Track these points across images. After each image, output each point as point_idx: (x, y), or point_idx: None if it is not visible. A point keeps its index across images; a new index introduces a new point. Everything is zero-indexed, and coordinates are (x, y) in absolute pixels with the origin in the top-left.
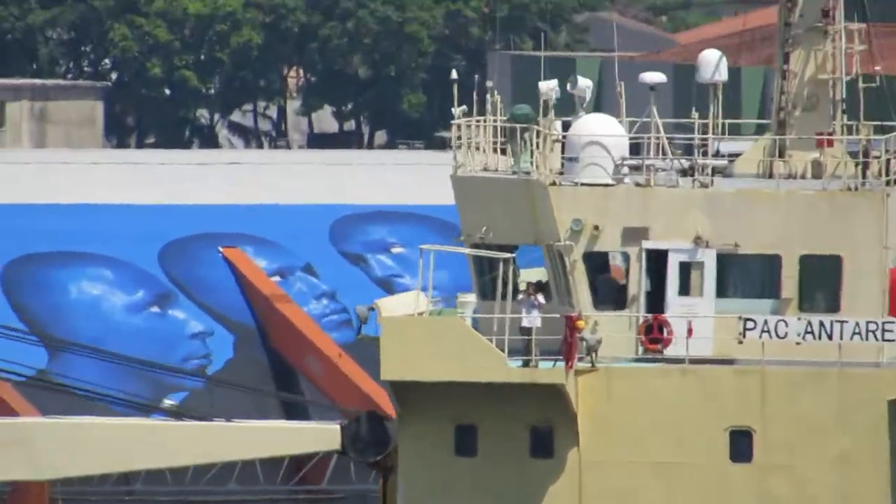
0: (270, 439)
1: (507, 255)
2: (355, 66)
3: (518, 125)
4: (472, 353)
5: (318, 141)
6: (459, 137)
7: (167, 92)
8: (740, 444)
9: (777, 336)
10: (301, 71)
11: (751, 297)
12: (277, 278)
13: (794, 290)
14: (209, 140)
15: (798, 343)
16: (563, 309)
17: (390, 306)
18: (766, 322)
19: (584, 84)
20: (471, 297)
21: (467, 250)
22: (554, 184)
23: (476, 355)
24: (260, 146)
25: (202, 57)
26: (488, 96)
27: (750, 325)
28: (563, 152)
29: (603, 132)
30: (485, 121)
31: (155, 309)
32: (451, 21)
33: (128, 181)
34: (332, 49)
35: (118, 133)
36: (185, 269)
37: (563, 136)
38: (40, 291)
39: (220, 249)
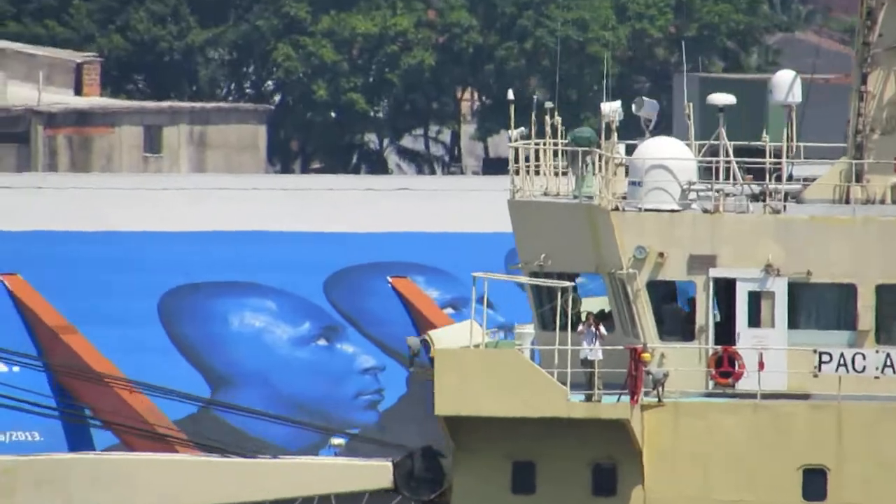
0: (316, 476)
1: (567, 283)
2: (532, 89)
3: (580, 148)
4: (531, 387)
5: (493, 166)
6: (517, 160)
7: (333, 115)
8: (814, 484)
9: (854, 370)
10: (476, 93)
11: (825, 329)
12: (450, 310)
13: (871, 322)
14: (377, 165)
15: (876, 377)
16: (627, 340)
17: (443, 338)
18: (842, 355)
19: (651, 106)
20: (529, 328)
21: (524, 279)
22: (617, 209)
23: (535, 389)
24: (432, 172)
25: (371, 79)
26: (547, 118)
27: (826, 358)
28: (626, 176)
29: (669, 155)
30: (545, 144)
31: (322, 342)
32: (636, 41)
33: (292, 208)
34: (508, 71)
35: (282, 158)
36: (352, 300)
37: (627, 160)
38: (200, 322)
39: (389, 279)
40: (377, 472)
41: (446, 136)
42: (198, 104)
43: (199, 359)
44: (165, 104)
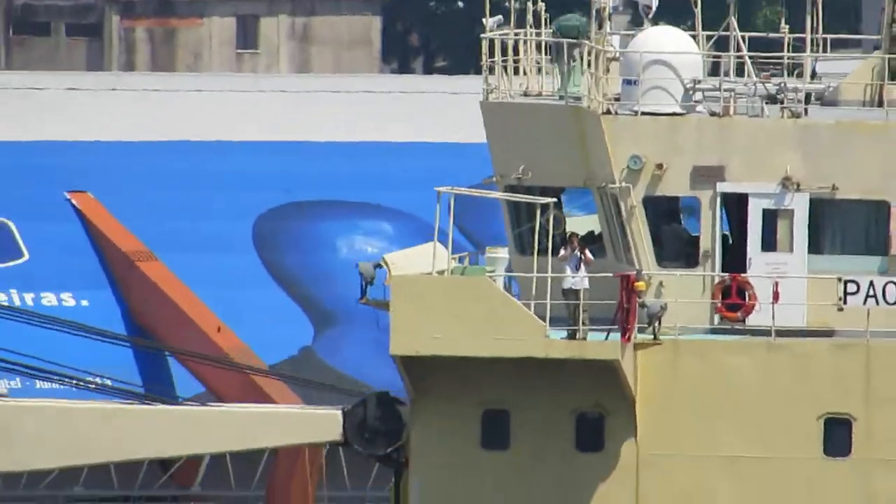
0: (251, 427)
1: (548, 199)
2: None
3: (565, 40)
4: (503, 321)
5: None
6: (492, 55)
7: (461, 4)
8: (837, 436)
9: (886, 302)
10: None
11: (853, 254)
12: None
13: None
14: None
15: None
16: (620, 267)
17: (402, 263)
18: (871, 284)
19: None
20: (503, 252)
21: (497, 194)
22: (608, 112)
23: (509, 324)
24: None
25: None
26: (529, 3)
27: (852, 288)
28: (620, 74)
29: (670, 49)
30: (525, 34)
31: None
32: None
33: (411, 114)
34: None
35: (399, 56)
36: (483, 223)
37: (622, 54)
38: (302, 249)
39: None
40: (323, 423)
41: None
42: None
43: (300, 291)
44: None
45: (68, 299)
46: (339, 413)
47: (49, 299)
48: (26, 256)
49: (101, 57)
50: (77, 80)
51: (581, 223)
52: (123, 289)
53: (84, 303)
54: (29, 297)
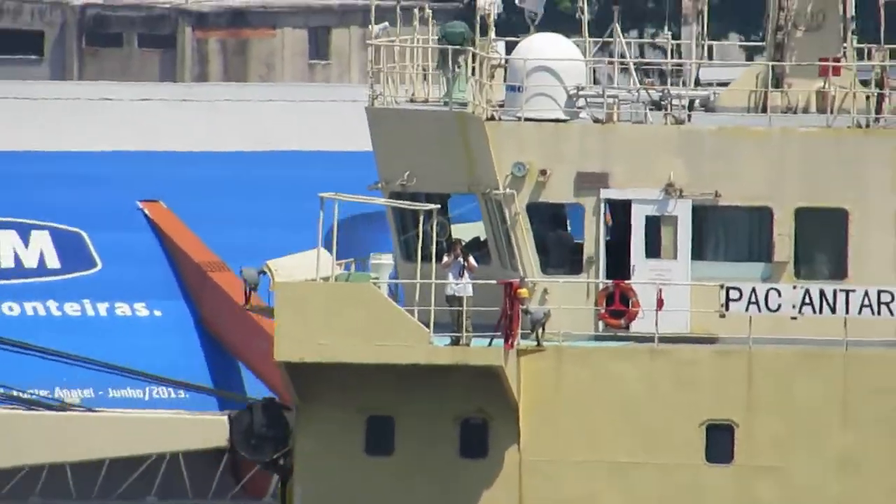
0: (136, 433)
1: (431, 206)
2: None
3: (450, 47)
4: (387, 328)
5: None
6: (377, 61)
7: None
8: (719, 442)
9: (767, 309)
10: None
11: (736, 261)
12: None
13: (790, 252)
14: None
15: (794, 318)
16: (505, 273)
17: (286, 269)
18: (753, 291)
19: None
20: (387, 258)
21: (378, 200)
22: (492, 118)
23: (393, 331)
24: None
25: None
26: (416, 10)
27: (734, 294)
28: (505, 80)
29: (553, 55)
30: (410, 41)
31: None
32: None
33: None
34: None
35: None
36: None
37: (506, 60)
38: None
39: None
40: (209, 428)
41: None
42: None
43: None
44: (335, 1)
45: (142, 309)
46: (225, 419)
47: (123, 309)
48: (99, 266)
49: (174, 68)
50: (149, 90)
51: (467, 230)
52: (195, 298)
53: (157, 313)
54: (103, 308)
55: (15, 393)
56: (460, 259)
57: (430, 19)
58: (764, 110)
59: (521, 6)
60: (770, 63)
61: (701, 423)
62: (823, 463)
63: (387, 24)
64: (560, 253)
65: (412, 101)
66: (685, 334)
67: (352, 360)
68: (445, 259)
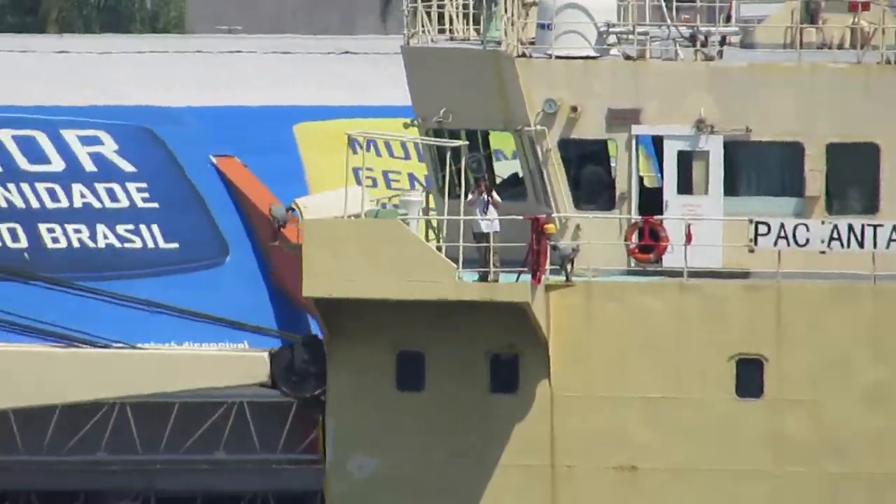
0: (175, 369)
1: (460, 142)
2: None
3: None
4: (415, 263)
5: None
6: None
7: None
8: (748, 376)
9: (796, 243)
10: None
11: (767, 195)
12: None
13: (821, 187)
14: None
15: (822, 252)
16: (539, 209)
17: (315, 206)
18: (782, 226)
19: None
20: (416, 196)
21: (408, 136)
22: (523, 55)
23: (420, 267)
24: None
25: None
26: None
27: (762, 229)
28: (536, 18)
29: None
30: None
31: None
32: None
33: None
34: None
35: None
36: None
37: None
38: None
39: None
40: (250, 365)
41: None
42: None
43: None
44: None
45: None
46: (266, 355)
47: None
48: None
49: None
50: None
51: (509, 166)
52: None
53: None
54: None
55: (54, 329)
56: (484, 195)
57: None
58: (801, 47)
59: None
60: None
61: (730, 357)
62: (853, 397)
63: None
64: (595, 189)
65: (452, 39)
66: (718, 269)
67: (379, 295)
68: (470, 196)
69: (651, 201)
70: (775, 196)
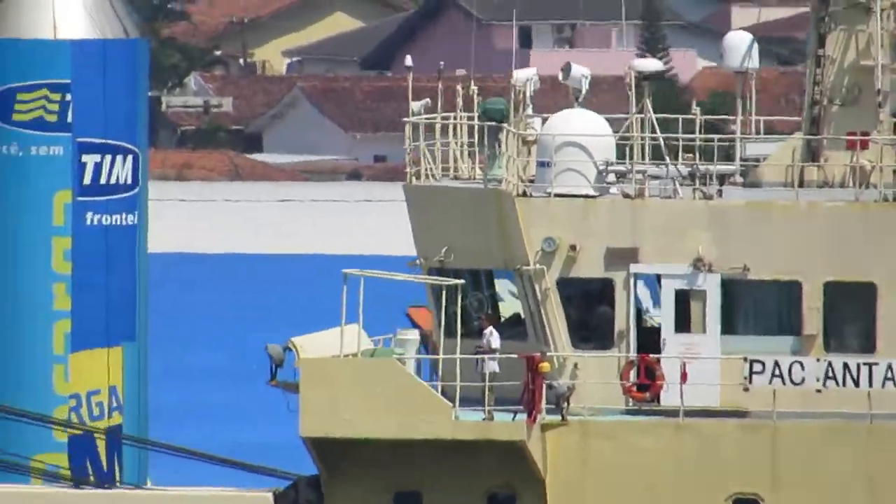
0: None
1: (457, 281)
2: None
3: (488, 123)
4: (410, 403)
5: None
6: (416, 139)
7: None
8: None
9: (791, 382)
10: None
11: (765, 334)
12: None
13: (818, 325)
14: None
15: (818, 391)
16: (539, 349)
17: (311, 345)
18: (776, 364)
19: (579, 73)
20: (412, 334)
21: (402, 275)
22: (523, 194)
23: (416, 406)
24: None
25: None
26: (458, 87)
27: (757, 367)
28: (536, 156)
29: (582, 130)
30: (453, 118)
31: None
32: None
33: None
34: None
35: None
36: None
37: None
38: None
39: None
40: None
41: None
42: None
43: None
44: None
45: None
46: (270, 496)
47: None
48: None
49: None
50: None
51: (513, 306)
52: None
53: None
54: None
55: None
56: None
57: (475, 95)
58: (801, 185)
59: (565, 83)
60: (806, 137)
61: (728, 496)
62: None
63: (427, 100)
64: (591, 327)
65: (456, 178)
66: (715, 408)
67: (376, 435)
68: (482, 341)
69: (649, 340)
70: (773, 335)
